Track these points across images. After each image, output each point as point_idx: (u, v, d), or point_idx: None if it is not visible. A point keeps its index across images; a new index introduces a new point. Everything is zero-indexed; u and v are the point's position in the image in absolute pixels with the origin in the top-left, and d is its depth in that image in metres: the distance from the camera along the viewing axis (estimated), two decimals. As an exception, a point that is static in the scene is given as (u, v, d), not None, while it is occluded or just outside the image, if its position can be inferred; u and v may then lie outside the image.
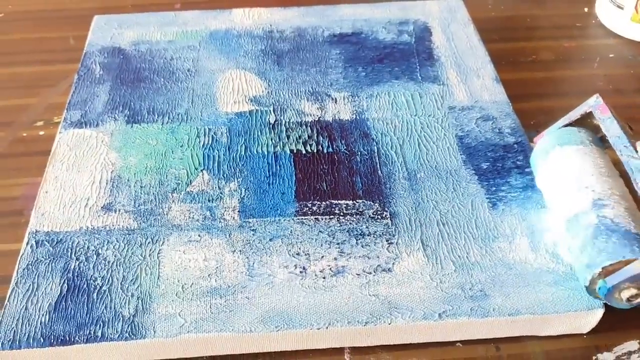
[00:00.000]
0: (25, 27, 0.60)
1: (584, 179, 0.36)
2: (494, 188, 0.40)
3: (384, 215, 0.39)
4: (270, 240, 0.38)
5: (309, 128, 0.45)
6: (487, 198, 0.40)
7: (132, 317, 0.34)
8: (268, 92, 0.47)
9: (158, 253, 0.37)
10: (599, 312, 0.35)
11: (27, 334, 0.33)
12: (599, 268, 0.33)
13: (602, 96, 0.39)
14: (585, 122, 0.40)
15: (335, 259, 0.37)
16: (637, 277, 0.32)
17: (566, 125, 0.41)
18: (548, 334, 0.35)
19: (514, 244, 0.37)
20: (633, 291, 0.33)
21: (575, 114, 0.40)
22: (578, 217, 0.35)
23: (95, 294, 0.35)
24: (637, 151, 0.36)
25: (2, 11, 0.62)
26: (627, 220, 0.34)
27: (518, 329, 0.35)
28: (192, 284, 0.35)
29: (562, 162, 0.38)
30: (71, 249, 0.37)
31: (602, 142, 0.40)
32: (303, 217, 0.39)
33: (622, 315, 0.36)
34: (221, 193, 0.40)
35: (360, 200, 0.40)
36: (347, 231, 0.38)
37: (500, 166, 0.42)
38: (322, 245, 0.37)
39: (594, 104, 0.39)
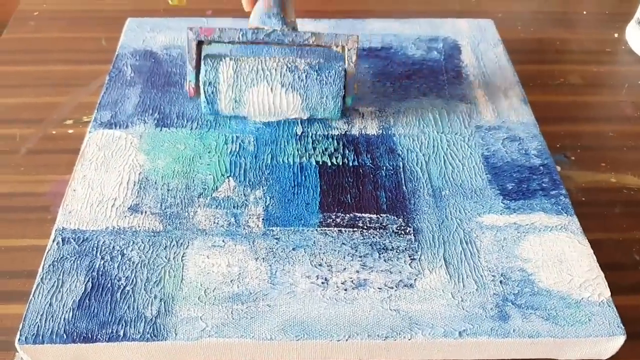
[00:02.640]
0: (58, 27, 0.61)
1: None
2: (519, 210, 0.40)
3: (407, 231, 0.39)
4: (293, 249, 0.38)
5: (335, 141, 0.45)
6: (511, 219, 0.40)
7: (154, 318, 0.34)
8: (298, 102, 0.48)
9: (182, 256, 0.37)
10: (620, 339, 0.34)
11: (50, 330, 0.34)
12: None
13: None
14: None
15: (358, 271, 0.37)
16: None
17: None
18: (568, 358, 0.35)
19: (537, 268, 0.37)
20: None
21: None
22: None
23: (118, 294, 0.35)
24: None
25: (36, 10, 0.63)
26: None
27: (537, 352, 0.35)
28: (215, 288, 0.36)
29: None
30: (97, 248, 0.38)
31: None
32: (326, 228, 0.39)
33: (644, 344, 0.36)
34: (246, 200, 0.41)
35: (384, 215, 0.40)
36: (370, 245, 0.38)
37: (525, 187, 0.42)
38: (344, 257, 0.38)
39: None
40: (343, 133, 0.46)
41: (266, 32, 0.44)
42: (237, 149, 0.44)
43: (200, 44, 0.44)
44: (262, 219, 0.39)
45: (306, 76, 0.44)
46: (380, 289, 0.36)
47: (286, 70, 0.44)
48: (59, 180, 0.45)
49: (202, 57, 0.45)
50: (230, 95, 0.44)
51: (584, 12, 0.64)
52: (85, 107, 0.51)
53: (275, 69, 0.44)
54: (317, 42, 0.44)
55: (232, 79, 0.44)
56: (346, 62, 0.44)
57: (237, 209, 0.40)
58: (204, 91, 0.44)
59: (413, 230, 0.39)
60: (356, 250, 0.38)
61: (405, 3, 0.65)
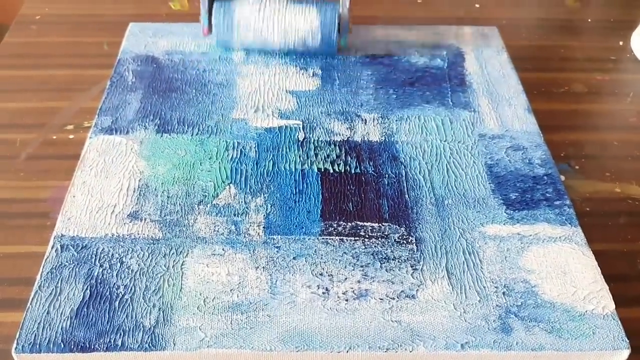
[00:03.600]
0: (60, 31, 0.60)
1: None
2: (523, 220, 0.40)
3: (409, 240, 0.39)
4: (294, 258, 0.37)
5: (337, 147, 0.45)
6: (515, 229, 0.39)
7: (152, 328, 0.34)
8: (298, 109, 0.48)
9: (182, 265, 0.37)
10: (625, 353, 0.34)
11: (47, 339, 0.33)
12: None
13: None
14: None
15: (359, 281, 0.36)
16: None
17: None
18: (571, 372, 0.35)
19: (541, 279, 0.37)
20: None
21: None
22: None
23: (117, 302, 0.35)
24: None
25: (38, 13, 0.62)
26: None
27: (541, 365, 0.34)
28: (214, 298, 0.35)
29: None
30: (95, 255, 0.37)
31: None
32: (328, 237, 0.39)
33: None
34: (247, 208, 0.40)
35: (386, 224, 0.40)
36: (372, 254, 0.38)
37: (529, 197, 0.41)
38: (345, 267, 0.37)
39: None
40: (345, 139, 0.45)
41: None
42: (238, 156, 0.44)
43: None
44: (263, 227, 0.39)
45: (303, 6, 0.51)
46: (381, 299, 0.35)
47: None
48: (59, 186, 0.44)
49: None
50: (240, 18, 0.51)
51: (589, 20, 0.64)
52: (86, 112, 0.51)
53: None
54: None
55: (243, 9, 0.51)
56: (340, 6, 0.51)
57: (238, 216, 0.40)
58: (216, 23, 0.51)
59: (415, 240, 0.39)
60: (357, 260, 0.37)
61: (409, 10, 0.64)
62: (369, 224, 0.40)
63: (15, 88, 0.53)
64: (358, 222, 0.40)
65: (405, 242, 0.39)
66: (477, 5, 0.65)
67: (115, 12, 0.63)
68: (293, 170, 0.43)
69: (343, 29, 0.51)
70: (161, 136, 0.45)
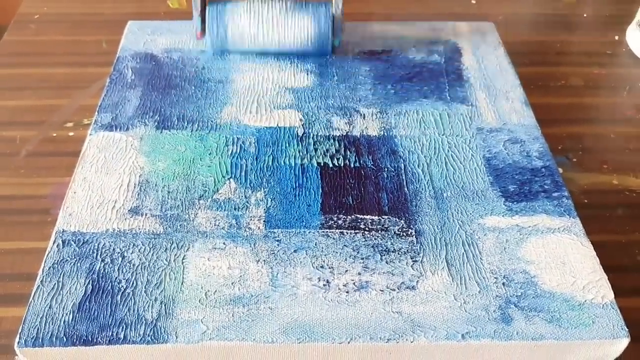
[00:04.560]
0: (59, 29, 0.61)
1: None
2: (522, 212, 0.40)
3: (409, 233, 0.39)
4: (295, 251, 0.38)
5: (336, 142, 0.45)
6: (513, 221, 0.40)
7: (154, 321, 0.34)
8: (297, 105, 0.48)
9: (183, 259, 0.37)
10: (624, 341, 0.34)
11: (50, 333, 0.33)
12: None
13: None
14: None
15: (359, 273, 0.37)
16: None
17: None
18: (571, 361, 0.35)
19: (540, 270, 0.37)
20: None
21: None
22: None
23: (119, 296, 0.35)
24: None
25: (37, 12, 0.63)
26: None
27: (541, 354, 0.35)
28: (216, 291, 0.35)
29: None
30: (97, 250, 0.37)
31: None
32: (328, 230, 0.39)
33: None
34: (247, 202, 0.40)
35: (386, 217, 0.40)
36: (372, 246, 0.38)
37: (527, 189, 0.42)
38: (346, 259, 0.37)
39: None
40: (344, 134, 0.45)
41: None
42: (238, 151, 0.44)
43: None
44: (264, 221, 0.39)
45: (296, 11, 0.50)
46: (382, 291, 0.36)
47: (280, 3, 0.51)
48: (60, 183, 0.44)
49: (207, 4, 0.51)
50: (233, 24, 0.51)
51: (585, 15, 0.64)
52: (86, 109, 0.51)
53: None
54: None
55: (235, 12, 0.51)
56: (333, 7, 0.51)
57: (238, 210, 0.40)
58: (210, 27, 0.51)
59: (415, 232, 0.39)
60: (358, 252, 0.38)
61: (407, 6, 0.65)
62: (368, 216, 0.40)
63: (15, 86, 0.54)
64: (358, 215, 0.40)
65: (405, 234, 0.39)
66: (474, 1, 0.66)
67: (114, 10, 0.63)
68: (293, 164, 0.43)
69: (336, 30, 0.51)
70: (161, 132, 0.45)
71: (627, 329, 0.34)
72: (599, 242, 0.39)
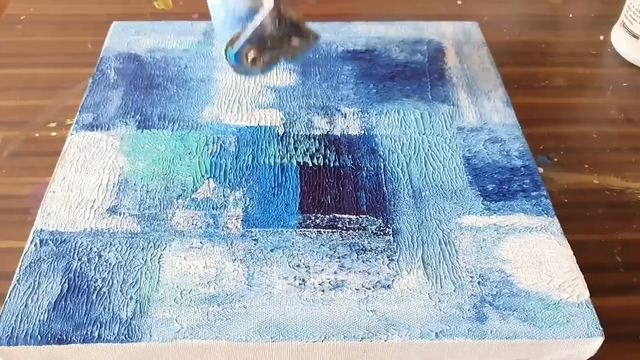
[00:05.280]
0: (45, 30, 0.61)
1: None
2: (499, 211, 0.40)
3: (386, 232, 0.39)
4: (272, 250, 0.38)
5: (316, 141, 0.45)
6: (491, 220, 0.40)
7: (129, 319, 0.34)
8: (278, 104, 0.48)
9: (159, 258, 0.37)
10: (599, 340, 0.34)
11: (25, 331, 0.34)
12: (226, 42, 0.40)
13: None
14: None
15: (335, 272, 0.37)
16: (251, 39, 0.39)
17: None
18: (546, 360, 0.35)
19: (516, 269, 0.37)
20: (253, 53, 0.40)
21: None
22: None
23: (94, 295, 0.35)
24: None
25: (23, 13, 0.63)
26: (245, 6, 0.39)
27: (515, 353, 0.35)
28: (191, 290, 0.36)
29: None
30: (74, 250, 0.37)
31: None
32: (305, 230, 0.39)
33: (624, 346, 0.36)
34: (226, 201, 0.40)
35: (364, 216, 0.40)
36: (349, 245, 0.38)
37: (506, 189, 0.42)
38: (322, 258, 0.37)
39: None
40: (325, 133, 0.45)
41: None
42: (218, 150, 0.44)
43: None
44: (242, 220, 0.39)
45: None
46: (357, 289, 0.36)
47: None
48: (40, 183, 0.44)
49: None
50: None
51: (570, 15, 0.64)
52: (69, 110, 0.51)
53: None
54: None
55: None
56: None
57: (216, 210, 0.40)
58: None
59: (392, 231, 0.39)
60: (334, 252, 0.38)
61: (392, 7, 0.65)
62: (346, 216, 0.40)
63: (0, 86, 0.54)
64: (336, 215, 0.40)
65: (382, 233, 0.39)
66: (459, 2, 0.66)
67: (100, 12, 0.63)
68: (272, 164, 0.43)
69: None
70: (142, 132, 0.45)
71: (601, 328, 0.34)
72: (579, 241, 0.40)
